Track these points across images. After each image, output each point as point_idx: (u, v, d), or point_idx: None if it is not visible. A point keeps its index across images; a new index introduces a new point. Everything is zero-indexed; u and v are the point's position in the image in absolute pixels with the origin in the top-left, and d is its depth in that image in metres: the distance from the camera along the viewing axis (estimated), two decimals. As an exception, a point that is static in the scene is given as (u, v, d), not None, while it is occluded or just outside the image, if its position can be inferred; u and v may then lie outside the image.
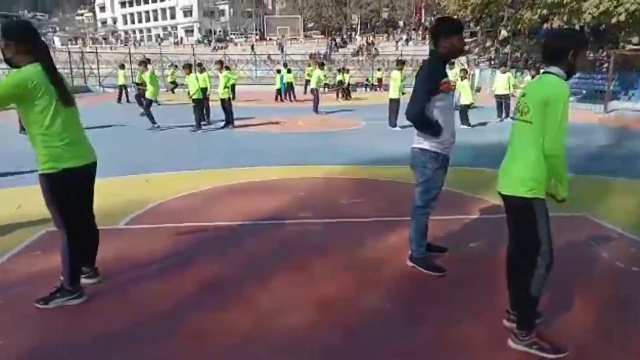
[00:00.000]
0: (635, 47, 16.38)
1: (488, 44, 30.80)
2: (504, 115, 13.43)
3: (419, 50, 33.40)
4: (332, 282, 3.47)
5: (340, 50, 42.65)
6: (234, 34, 59.18)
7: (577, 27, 17.67)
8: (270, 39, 49.61)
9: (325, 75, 24.18)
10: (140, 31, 71.75)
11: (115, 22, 77.50)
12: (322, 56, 38.80)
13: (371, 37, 43.98)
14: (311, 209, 5.16)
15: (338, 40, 46.21)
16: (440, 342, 2.73)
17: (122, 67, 19.01)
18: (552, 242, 2.54)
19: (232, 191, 5.98)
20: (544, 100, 2.34)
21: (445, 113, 3.40)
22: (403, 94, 11.27)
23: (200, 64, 12.46)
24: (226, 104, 11.51)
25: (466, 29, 35.74)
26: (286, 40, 47.82)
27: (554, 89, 2.34)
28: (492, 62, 27.47)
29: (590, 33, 20.58)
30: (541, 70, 2.68)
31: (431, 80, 3.30)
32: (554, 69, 2.42)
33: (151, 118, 11.30)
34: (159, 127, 11.35)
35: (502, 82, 13.38)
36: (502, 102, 13.43)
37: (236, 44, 52.23)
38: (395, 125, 11.48)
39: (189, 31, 64.39)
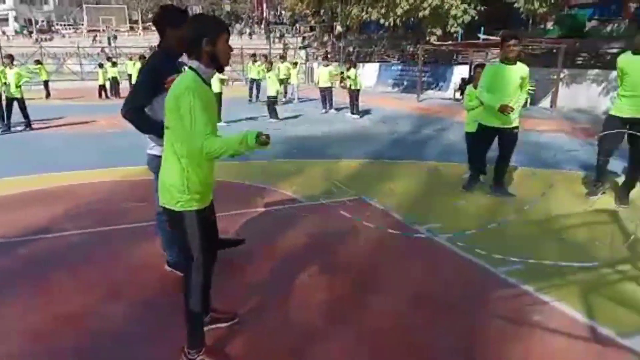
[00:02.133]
0: (438, 42, 18.43)
1: (325, 38, 32.19)
2: (328, 106, 14.07)
3: (262, 44, 33.56)
4: (74, 299, 3.14)
5: (182, 43, 40.81)
6: (61, 25, 52.85)
7: (391, 20, 19.27)
8: (103, 31, 45.37)
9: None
10: None
11: None
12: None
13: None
14: (84, 218, 4.70)
15: (180, 32, 44.18)
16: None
17: None
18: (207, 255, 2.42)
19: (-3, 205, 5.18)
20: (174, 101, 2.13)
21: None
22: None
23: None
24: (20, 104, 10.12)
25: (305, 24, 37.00)
26: (122, 32, 44.18)
27: (187, 88, 2.11)
28: (329, 56, 28.79)
29: (405, 28, 22.73)
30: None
31: (154, 76, 3.02)
32: (193, 62, 2.22)
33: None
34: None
35: (324, 75, 13.97)
36: (326, 94, 14.06)
37: (63, 36, 46.76)
38: (220, 120, 11.26)
39: (2, 20, 55.67)
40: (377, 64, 25.46)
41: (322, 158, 7.69)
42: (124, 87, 19.33)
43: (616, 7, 16.96)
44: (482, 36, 16.20)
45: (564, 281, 3.39)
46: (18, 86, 10.02)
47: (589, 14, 17.83)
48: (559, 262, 3.62)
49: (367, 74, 25.46)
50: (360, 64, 26.79)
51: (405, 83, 22.72)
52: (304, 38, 34.22)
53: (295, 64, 17.33)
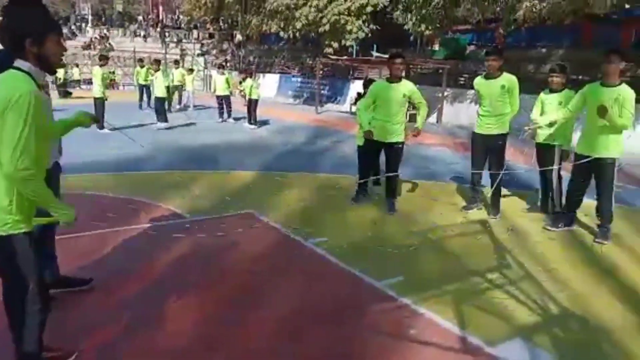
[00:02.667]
0: (335, 57, 18.97)
1: (225, 46, 31.62)
2: (225, 115, 13.74)
3: (158, 47, 32.02)
4: None
5: (68, 42, 37.58)
6: None
7: (290, 34, 19.49)
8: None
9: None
10: None
11: None
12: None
13: (105, 31, 40.14)
14: None
15: (66, 31, 40.63)
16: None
17: None
18: (43, 282, 2.15)
19: None
20: (2, 104, 1.83)
21: None
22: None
23: None
24: None
25: (204, 30, 36.06)
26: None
27: (13, 90, 1.83)
28: (229, 64, 28.34)
29: (304, 40, 23.13)
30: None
31: None
32: (23, 63, 1.93)
33: None
34: None
35: (220, 83, 13.63)
36: (223, 102, 13.71)
37: None
38: (102, 128, 10.38)
39: None
40: (278, 75, 25.53)
41: (213, 169, 7.38)
42: None
43: (491, 34, 18.81)
44: (375, 53, 16.98)
45: (440, 291, 3.50)
46: None
47: (469, 38, 19.59)
48: (434, 273, 3.78)
49: (268, 84, 25.41)
50: (261, 74, 26.72)
51: (305, 95, 23.00)
52: (202, 44, 33.28)
53: (191, 70, 16.70)
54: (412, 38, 18.80)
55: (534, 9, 13.39)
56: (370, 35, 18.93)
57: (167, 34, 36.71)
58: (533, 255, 4.29)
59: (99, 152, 8.03)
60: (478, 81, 5.39)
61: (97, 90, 10.32)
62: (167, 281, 3.53)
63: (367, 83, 6.30)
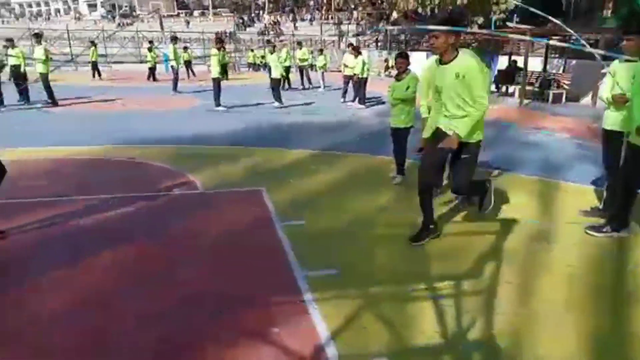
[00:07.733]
0: (471, 31, 17.19)
1: (381, 25, 31.36)
2: (348, 97, 13.35)
3: (315, 29, 33.47)
4: None
5: (247, 29, 41.87)
6: (142, 10, 56.17)
7: (428, 9, 18.39)
8: (178, 15, 47.83)
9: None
10: (38, 4, 65.76)
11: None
12: (227, 35, 38.14)
13: (277, 16, 43.53)
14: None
15: (245, 18, 45.28)
16: None
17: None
18: None
19: None
20: None
21: None
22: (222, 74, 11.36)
23: (11, 40, 11.76)
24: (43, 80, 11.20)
25: (362, 11, 36.24)
26: (194, 17, 46.27)
27: None
28: (379, 43, 28.16)
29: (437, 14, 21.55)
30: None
31: None
32: None
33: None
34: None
35: (349, 63, 13.21)
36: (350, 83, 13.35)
37: (143, 21, 49.83)
38: (219, 105, 11.42)
39: (91, 5, 60.08)
40: (425, 53, 24.38)
41: (269, 146, 7.46)
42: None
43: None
44: (511, 24, 14.94)
45: (359, 293, 3.06)
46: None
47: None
48: (378, 272, 3.32)
49: (415, 62, 24.50)
50: (411, 53, 25.93)
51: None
52: (358, 24, 33.61)
53: (321, 50, 16.97)
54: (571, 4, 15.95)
55: None
56: (519, 4, 16.63)
57: (330, 17, 38.06)
58: (528, 267, 3.42)
59: (186, 128, 8.95)
60: (616, 65, 4.14)
61: (214, 71, 11.35)
62: (110, 239, 3.81)
63: (397, 57, 5.60)
